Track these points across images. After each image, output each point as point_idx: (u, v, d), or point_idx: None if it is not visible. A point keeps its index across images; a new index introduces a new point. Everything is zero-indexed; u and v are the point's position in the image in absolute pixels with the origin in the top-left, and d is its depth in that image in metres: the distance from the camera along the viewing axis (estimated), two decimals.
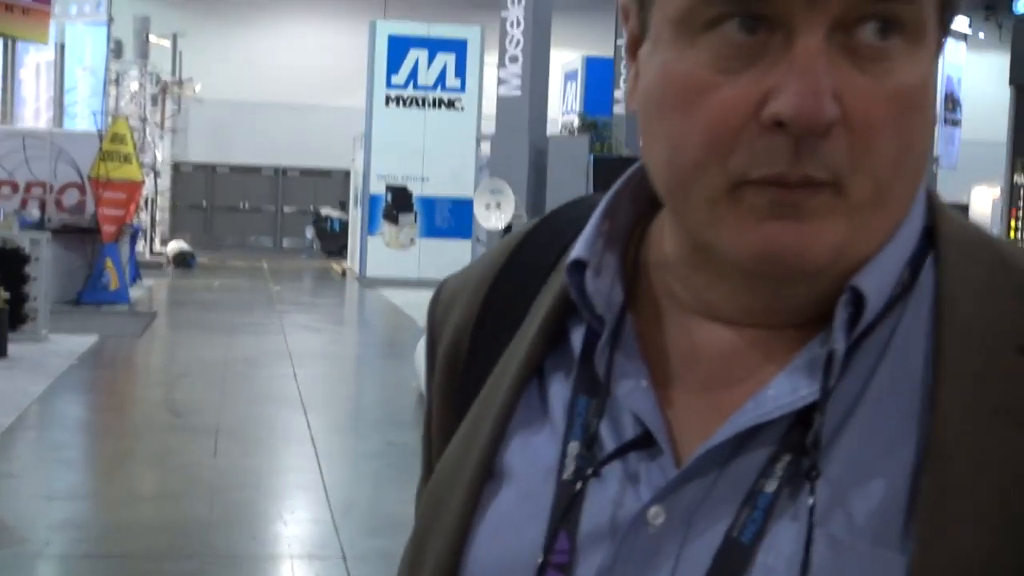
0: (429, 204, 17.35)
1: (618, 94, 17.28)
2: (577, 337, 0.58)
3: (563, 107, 20.43)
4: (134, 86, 19.44)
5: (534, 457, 0.58)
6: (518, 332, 0.61)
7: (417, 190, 17.15)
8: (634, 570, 0.53)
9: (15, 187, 13.74)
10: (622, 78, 16.20)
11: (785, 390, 0.52)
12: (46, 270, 10.97)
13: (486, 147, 16.43)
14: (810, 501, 0.48)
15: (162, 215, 21.55)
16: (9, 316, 9.65)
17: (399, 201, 17.31)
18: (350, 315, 16.15)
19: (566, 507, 0.55)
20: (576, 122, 18.54)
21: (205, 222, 22.63)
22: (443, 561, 0.58)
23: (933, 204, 0.58)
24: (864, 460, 0.51)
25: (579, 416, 0.57)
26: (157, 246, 20.46)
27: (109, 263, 13.05)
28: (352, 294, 17.41)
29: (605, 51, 18.85)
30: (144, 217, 18.45)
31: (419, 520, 0.63)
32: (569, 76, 20.69)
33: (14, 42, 15.89)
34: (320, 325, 13.09)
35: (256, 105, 21.54)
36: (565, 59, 20.35)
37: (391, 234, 17.39)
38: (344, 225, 20.98)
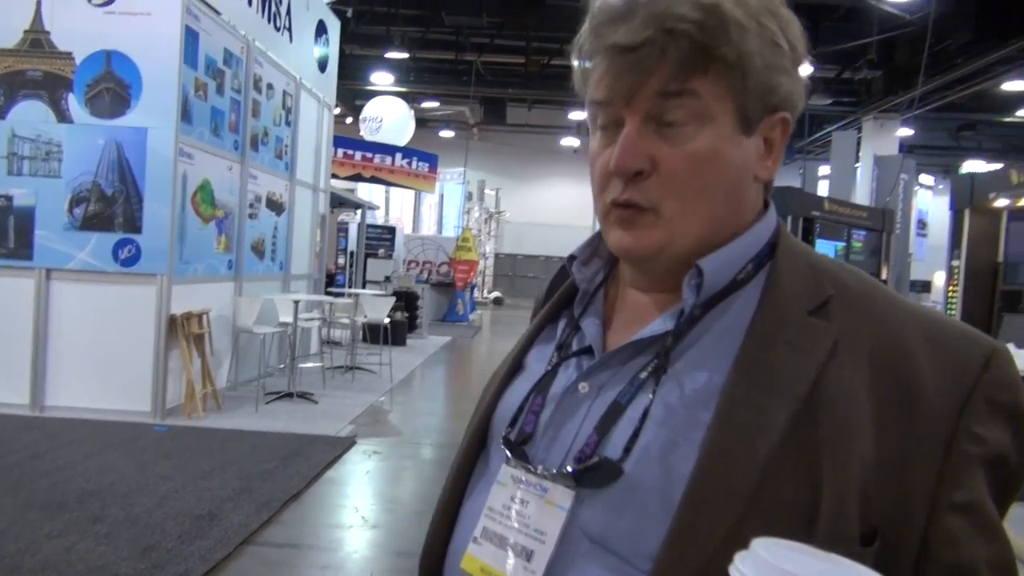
0: None
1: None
2: (576, 305, 0.79)
3: None
4: (475, 214, 23.25)
5: (540, 357, 0.79)
6: (550, 301, 0.85)
7: None
8: (565, 415, 0.71)
9: (417, 263, 16.42)
10: None
11: (657, 326, 0.69)
12: (427, 303, 13.06)
13: None
14: (654, 384, 0.65)
15: (487, 278, 25.26)
16: (408, 326, 11.78)
17: None
18: None
19: (540, 381, 0.75)
20: None
21: (509, 282, 26.60)
22: (491, 400, 0.81)
23: (779, 229, 0.72)
24: (698, 366, 0.66)
25: (563, 337, 0.78)
26: (484, 293, 23.97)
27: (459, 301, 15.91)
28: None
29: None
30: (478, 279, 20.72)
31: (488, 383, 0.84)
32: None
33: (418, 192, 18.15)
34: None
35: (536, 224, 26.59)
36: None
37: None
38: None
